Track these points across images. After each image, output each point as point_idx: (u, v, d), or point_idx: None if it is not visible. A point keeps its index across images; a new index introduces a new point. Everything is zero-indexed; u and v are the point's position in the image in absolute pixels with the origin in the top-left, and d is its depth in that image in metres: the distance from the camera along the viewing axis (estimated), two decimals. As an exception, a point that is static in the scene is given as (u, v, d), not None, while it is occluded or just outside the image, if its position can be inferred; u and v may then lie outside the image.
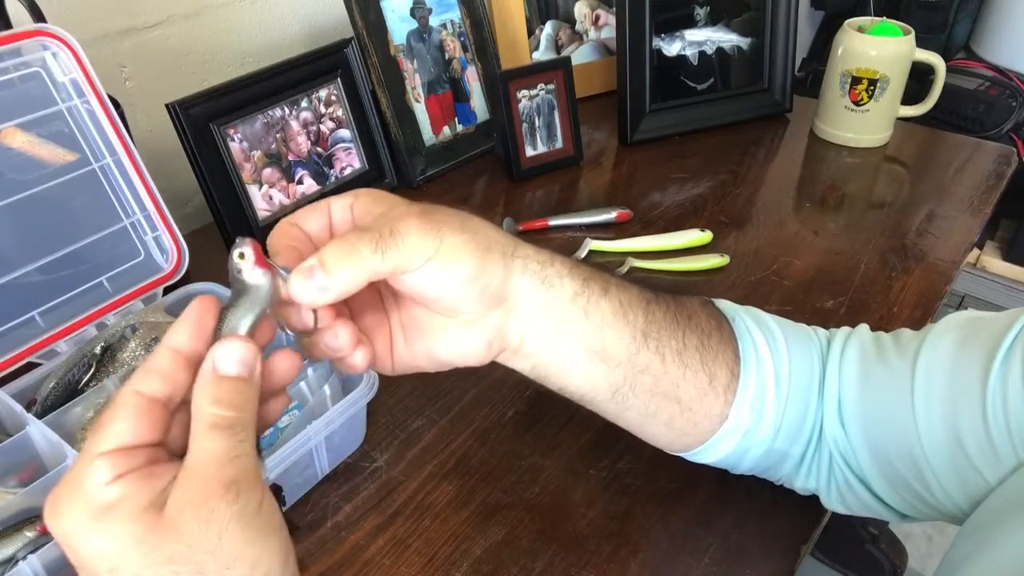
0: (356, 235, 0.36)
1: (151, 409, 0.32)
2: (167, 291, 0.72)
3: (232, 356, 0.33)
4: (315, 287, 0.35)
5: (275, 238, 0.39)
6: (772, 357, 0.50)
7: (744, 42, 1.12)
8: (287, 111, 0.89)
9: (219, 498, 0.31)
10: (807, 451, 0.51)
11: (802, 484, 0.53)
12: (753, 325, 0.51)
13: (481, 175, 1.05)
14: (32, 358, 0.64)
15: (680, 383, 0.47)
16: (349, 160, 0.96)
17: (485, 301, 0.40)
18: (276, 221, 0.36)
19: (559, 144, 1.04)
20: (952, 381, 0.44)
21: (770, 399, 0.49)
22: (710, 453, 0.51)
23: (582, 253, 0.87)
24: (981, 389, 0.42)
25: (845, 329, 0.53)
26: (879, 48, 1.02)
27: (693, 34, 1.10)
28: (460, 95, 1.06)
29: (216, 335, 0.34)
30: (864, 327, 0.53)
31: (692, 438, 0.50)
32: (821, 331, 0.54)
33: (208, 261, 0.84)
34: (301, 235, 0.40)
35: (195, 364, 0.33)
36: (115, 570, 0.30)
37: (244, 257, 0.34)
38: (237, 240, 0.35)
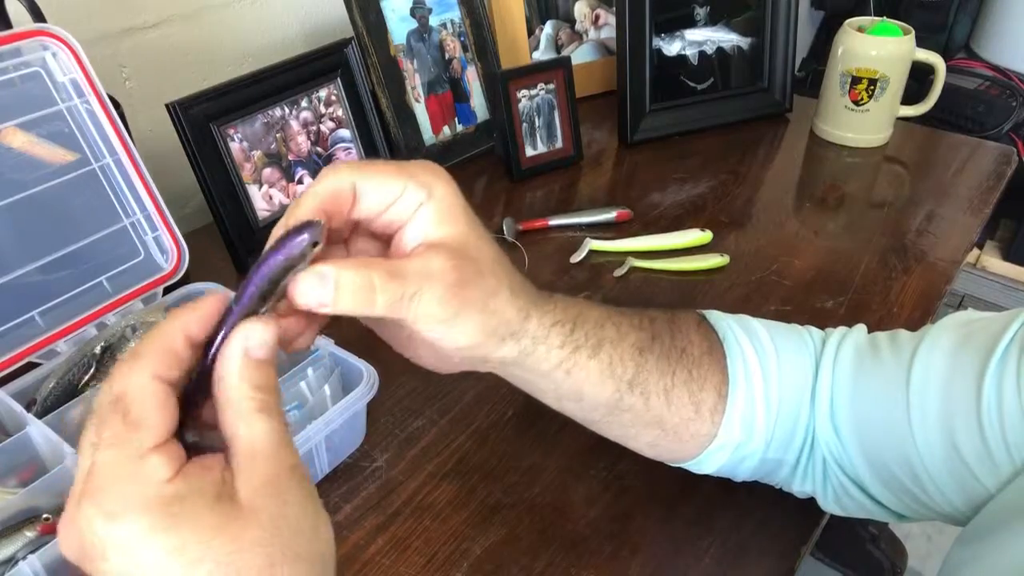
0: (383, 279, 0.35)
1: (171, 397, 0.30)
2: (167, 291, 0.72)
3: (262, 340, 0.31)
4: (316, 299, 0.34)
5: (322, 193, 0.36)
6: (762, 373, 0.49)
7: (744, 42, 1.12)
8: (287, 111, 0.89)
9: (287, 479, 0.30)
10: (801, 456, 0.51)
11: (799, 488, 0.54)
12: (745, 340, 0.50)
13: (481, 175, 1.05)
14: (32, 358, 0.64)
15: (664, 415, 0.48)
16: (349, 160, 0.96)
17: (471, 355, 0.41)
18: (276, 221, 0.35)
19: (559, 144, 1.04)
20: (948, 384, 0.44)
21: (760, 415, 0.49)
22: (703, 466, 0.52)
23: (582, 253, 0.87)
24: (976, 392, 0.42)
25: (841, 329, 0.53)
26: (879, 48, 1.02)
27: (693, 34, 1.10)
28: (460, 95, 1.06)
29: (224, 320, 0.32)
30: (861, 328, 0.52)
31: (679, 455, 0.51)
32: (816, 332, 0.53)
33: (208, 261, 0.84)
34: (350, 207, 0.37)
35: (196, 351, 0.32)
36: (195, 563, 0.28)
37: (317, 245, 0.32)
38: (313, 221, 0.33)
